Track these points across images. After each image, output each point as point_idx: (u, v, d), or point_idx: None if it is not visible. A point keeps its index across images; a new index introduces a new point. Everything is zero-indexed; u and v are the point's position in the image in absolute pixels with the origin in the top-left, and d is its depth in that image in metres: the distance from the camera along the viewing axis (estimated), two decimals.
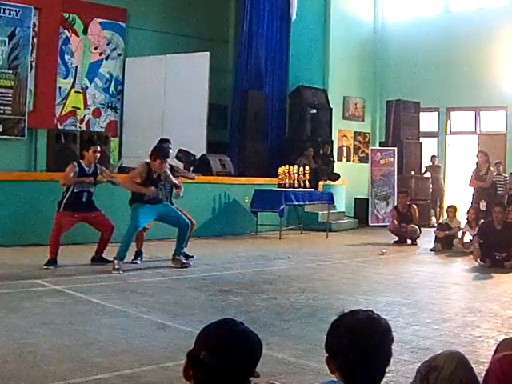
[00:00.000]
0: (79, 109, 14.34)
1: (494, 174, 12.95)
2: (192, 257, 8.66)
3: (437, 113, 16.61)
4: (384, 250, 10.43)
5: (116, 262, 7.70)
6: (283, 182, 12.18)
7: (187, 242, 8.59)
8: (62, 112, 14.01)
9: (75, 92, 14.25)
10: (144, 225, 8.23)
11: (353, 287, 7.29)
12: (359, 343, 2.03)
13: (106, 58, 14.68)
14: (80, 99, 14.34)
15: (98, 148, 8.20)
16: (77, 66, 14.23)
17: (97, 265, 8.06)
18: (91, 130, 14.04)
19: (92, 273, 7.61)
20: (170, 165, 8.64)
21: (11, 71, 12.54)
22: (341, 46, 16.28)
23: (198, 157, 12.68)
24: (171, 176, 8.47)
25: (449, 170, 16.03)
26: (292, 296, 6.54)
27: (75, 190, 7.94)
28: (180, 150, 12.31)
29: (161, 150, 8.24)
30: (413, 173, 15.39)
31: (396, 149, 15.08)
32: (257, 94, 15.00)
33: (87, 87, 14.44)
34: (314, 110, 15.57)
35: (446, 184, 16.03)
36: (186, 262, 8.24)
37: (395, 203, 13.41)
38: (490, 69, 15.26)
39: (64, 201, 7.95)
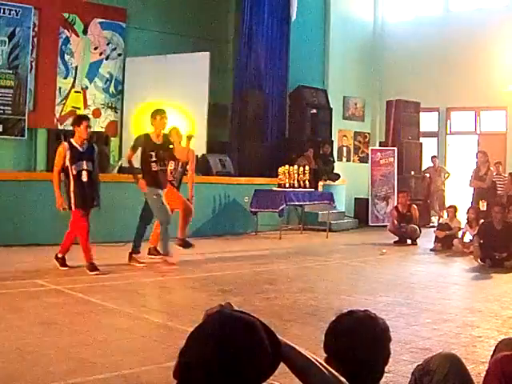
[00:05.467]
0: (79, 109, 14.31)
1: (494, 174, 12.96)
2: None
3: (437, 113, 16.61)
4: (384, 250, 10.43)
5: (167, 258, 7.84)
6: (283, 182, 12.18)
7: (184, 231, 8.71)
8: (62, 112, 13.99)
9: (75, 92, 14.22)
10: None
11: (353, 287, 7.30)
12: (357, 343, 2.03)
13: (106, 58, 14.66)
14: (80, 99, 14.32)
15: (89, 123, 7.81)
16: (77, 66, 14.21)
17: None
18: (91, 130, 14.01)
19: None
20: None
21: (11, 71, 12.53)
22: (341, 46, 16.28)
23: (197, 157, 12.69)
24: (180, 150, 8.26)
25: (449, 170, 16.02)
26: (292, 296, 6.54)
27: (74, 172, 7.42)
28: None
29: (155, 109, 8.13)
30: (413, 173, 15.40)
31: (396, 149, 15.09)
32: (257, 93, 14.99)
33: (87, 87, 14.42)
34: (314, 110, 15.57)
35: (446, 185, 15.99)
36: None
37: (395, 203, 13.40)
38: (490, 69, 15.26)
39: (72, 193, 7.40)
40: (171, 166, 8.48)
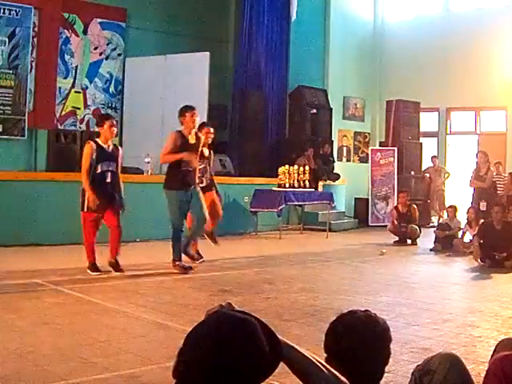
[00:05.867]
0: (79, 109, 14.33)
1: (494, 174, 12.95)
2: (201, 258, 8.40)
3: (437, 113, 16.61)
4: (384, 250, 10.43)
5: (179, 263, 7.58)
6: (283, 181, 12.17)
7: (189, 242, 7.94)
8: (62, 112, 14.00)
9: (75, 92, 14.24)
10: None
11: (353, 287, 7.29)
12: (357, 343, 2.04)
13: (106, 58, 14.67)
14: (80, 99, 14.34)
15: (114, 122, 7.50)
16: (77, 66, 14.22)
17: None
18: (91, 129, 14.03)
19: None
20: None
21: (11, 71, 12.53)
22: (341, 45, 16.28)
23: None
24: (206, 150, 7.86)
25: (449, 170, 16.02)
26: (292, 296, 6.54)
27: (98, 171, 7.23)
28: None
29: (184, 106, 7.71)
30: (413, 173, 15.40)
31: (396, 149, 15.09)
32: (257, 93, 14.99)
33: (87, 87, 14.43)
34: (314, 110, 15.57)
35: (446, 185, 15.98)
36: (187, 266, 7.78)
37: (395, 203, 13.41)
38: (489, 69, 15.26)
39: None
40: (200, 165, 8.15)
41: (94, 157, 7.20)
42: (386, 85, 17.17)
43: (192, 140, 7.63)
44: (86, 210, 7.28)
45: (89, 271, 7.38)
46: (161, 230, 9.99)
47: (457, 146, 16.74)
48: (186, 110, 7.66)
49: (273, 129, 15.44)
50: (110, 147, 7.39)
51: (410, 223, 11.67)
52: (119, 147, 7.64)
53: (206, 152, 8.03)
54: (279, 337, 1.69)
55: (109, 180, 7.30)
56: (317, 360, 1.78)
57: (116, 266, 7.46)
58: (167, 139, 7.64)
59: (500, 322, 5.61)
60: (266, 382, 1.59)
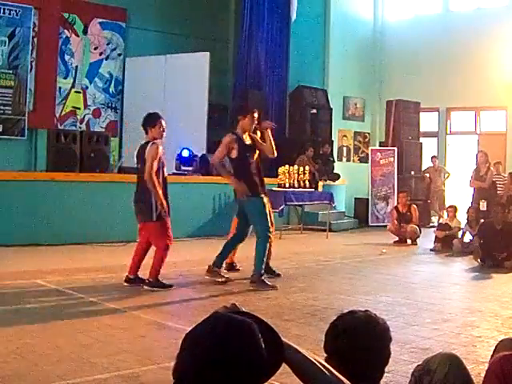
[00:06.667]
0: (79, 109, 14.34)
1: (494, 174, 12.95)
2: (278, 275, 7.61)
3: (437, 113, 16.61)
4: (384, 250, 10.43)
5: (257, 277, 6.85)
6: (283, 181, 12.16)
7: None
8: (62, 112, 14.01)
9: (75, 92, 14.25)
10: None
11: (353, 287, 7.29)
12: (357, 343, 2.04)
13: (106, 58, 14.68)
14: (80, 99, 14.34)
15: (164, 123, 6.70)
16: (77, 66, 14.23)
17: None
18: (91, 129, 14.04)
19: (92, 273, 7.60)
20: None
21: (11, 71, 12.53)
22: (341, 45, 16.28)
23: (198, 156, 12.69)
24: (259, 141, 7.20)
25: (449, 170, 16.03)
26: (292, 296, 6.54)
27: (164, 177, 6.60)
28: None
29: (242, 105, 7.22)
30: (413, 173, 15.40)
31: (396, 149, 15.09)
32: (257, 93, 14.99)
33: (87, 87, 14.44)
34: (314, 110, 15.57)
35: (446, 185, 15.98)
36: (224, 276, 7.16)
37: (395, 203, 13.41)
38: (489, 69, 15.26)
39: (163, 200, 6.50)
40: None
41: (160, 161, 6.52)
42: (386, 85, 17.18)
43: (248, 141, 7.29)
44: (167, 215, 6.59)
45: (149, 287, 6.57)
46: None
47: (457, 145, 16.75)
48: (247, 111, 7.22)
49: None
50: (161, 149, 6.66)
51: (409, 223, 11.67)
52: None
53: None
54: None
55: (166, 185, 6.69)
56: (318, 362, 1.78)
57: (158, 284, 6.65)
58: (222, 142, 7.26)
59: (500, 322, 5.61)
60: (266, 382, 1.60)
